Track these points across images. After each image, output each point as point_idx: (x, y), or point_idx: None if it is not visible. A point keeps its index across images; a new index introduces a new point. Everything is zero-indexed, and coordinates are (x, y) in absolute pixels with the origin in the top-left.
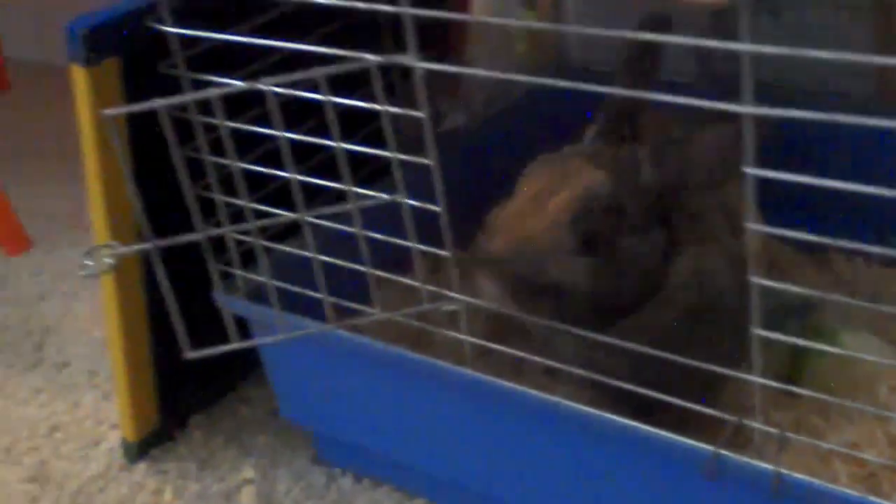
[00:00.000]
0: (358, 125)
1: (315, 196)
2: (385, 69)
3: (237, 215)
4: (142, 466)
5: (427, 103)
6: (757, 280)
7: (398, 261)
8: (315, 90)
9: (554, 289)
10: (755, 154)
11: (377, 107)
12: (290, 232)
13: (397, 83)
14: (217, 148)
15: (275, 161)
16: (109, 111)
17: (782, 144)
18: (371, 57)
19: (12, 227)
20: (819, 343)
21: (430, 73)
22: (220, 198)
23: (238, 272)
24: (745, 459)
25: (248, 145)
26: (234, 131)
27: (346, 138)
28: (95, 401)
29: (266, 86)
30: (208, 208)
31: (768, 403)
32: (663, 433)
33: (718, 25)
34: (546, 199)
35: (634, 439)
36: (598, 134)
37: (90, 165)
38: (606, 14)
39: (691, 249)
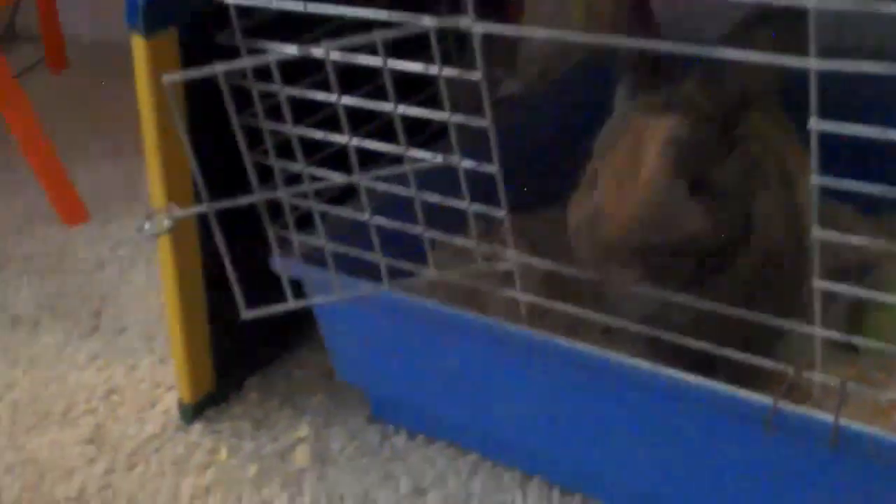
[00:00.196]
0: (411, 92)
1: (369, 161)
2: (441, 39)
3: (292, 180)
4: (197, 427)
5: (483, 68)
6: (818, 232)
7: (454, 224)
8: (370, 56)
9: (689, 245)
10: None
11: (434, 70)
12: (345, 196)
13: (453, 52)
14: (272, 114)
15: (328, 126)
16: (169, 76)
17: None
18: (428, 19)
19: (70, 199)
20: (877, 304)
21: (487, 42)
22: (277, 163)
23: (294, 235)
24: (804, 411)
25: (303, 111)
26: (290, 98)
27: (402, 102)
28: (152, 365)
29: (324, 50)
30: (263, 175)
31: (827, 360)
32: (721, 386)
33: None
34: (630, 167)
35: (692, 394)
36: (632, 90)
37: (148, 133)
38: None
39: (757, 193)
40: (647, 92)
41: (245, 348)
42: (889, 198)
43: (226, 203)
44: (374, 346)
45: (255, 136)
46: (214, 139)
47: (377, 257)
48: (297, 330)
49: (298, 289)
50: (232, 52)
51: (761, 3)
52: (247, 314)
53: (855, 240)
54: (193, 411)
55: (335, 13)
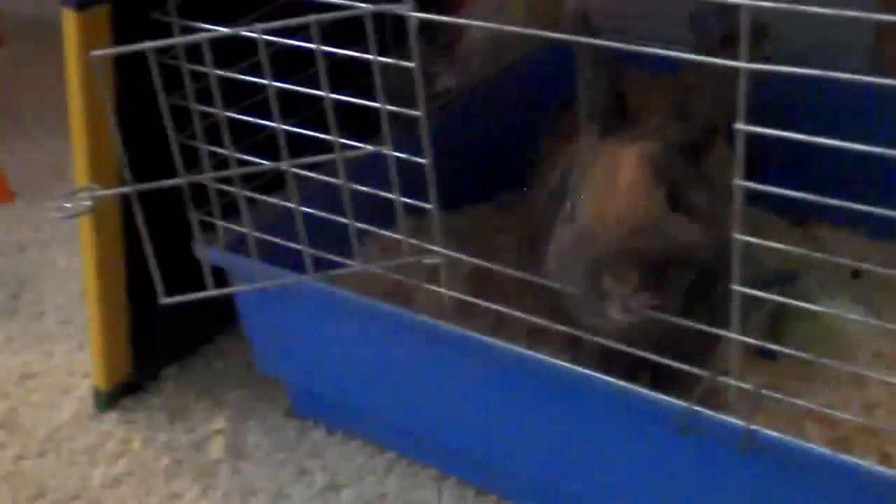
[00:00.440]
0: (350, 80)
1: (306, 149)
2: (380, 30)
3: (223, 165)
4: (112, 416)
5: (419, 56)
6: (739, 237)
7: (387, 217)
8: (309, 42)
9: (686, 257)
10: (747, 112)
11: (368, 56)
12: (281, 186)
13: (391, 43)
14: (206, 97)
15: (266, 113)
16: (98, 52)
17: (776, 112)
18: (364, 5)
19: None
20: (799, 312)
21: (427, 35)
22: (203, 146)
23: (219, 222)
24: (717, 415)
25: (238, 95)
26: (224, 81)
27: (338, 92)
28: (69, 351)
29: (256, 32)
30: (194, 158)
31: (746, 367)
32: (638, 388)
33: None
34: (609, 187)
35: (610, 395)
36: (601, 136)
37: (75, 109)
38: None
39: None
40: (615, 133)
41: (165, 337)
42: (819, 209)
43: (149, 185)
44: (294, 338)
45: (187, 118)
46: (146, 119)
47: (302, 246)
48: (220, 320)
49: (222, 277)
50: (168, 31)
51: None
52: (165, 300)
53: (774, 245)
54: (108, 399)
55: None
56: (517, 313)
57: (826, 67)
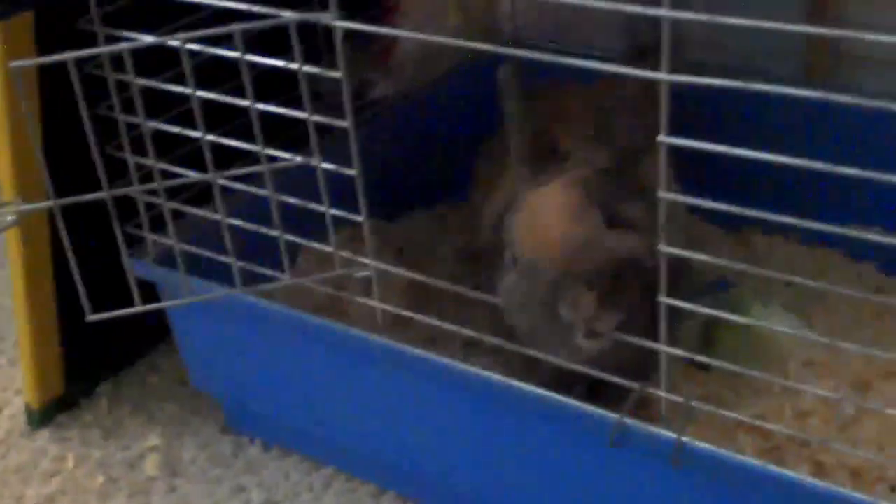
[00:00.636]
0: (283, 90)
1: (242, 161)
2: (311, 35)
3: (151, 177)
4: (44, 433)
5: (346, 65)
6: (665, 249)
7: (322, 229)
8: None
9: (632, 268)
10: (671, 123)
11: (293, 66)
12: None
13: (323, 52)
14: (133, 107)
15: (193, 123)
16: (17, 63)
17: (707, 121)
18: (289, 14)
19: None
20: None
21: (360, 42)
22: (129, 157)
23: (146, 234)
24: (648, 427)
25: (169, 106)
26: (153, 92)
27: (269, 102)
28: (0, 367)
29: (178, 41)
30: (124, 169)
31: (680, 377)
32: (570, 401)
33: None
34: (544, 220)
35: (542, 407)
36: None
37: None
38: None
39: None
40: (544, 172)
41: (98, 352)
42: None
43: (70, 200)
44: (227, 353)
45: (115, 129)
46: (75, 131)
47: (230, 260)
48: (154, 333)
49: (154, 292)
50: (95, 40)
51: (617, 7)
52: (92, 317)
53: (699, 257)
54: (41, 416)
55: (196, 3)
56: (450, 326)
57: (757, 76)
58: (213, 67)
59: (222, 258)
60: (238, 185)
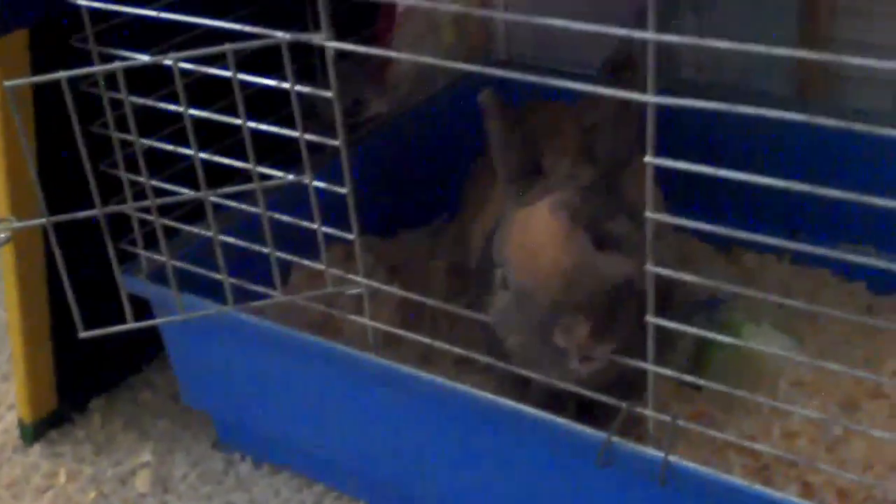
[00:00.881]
0: (276, 108)
1: (236, 178)
2: (306, 55)
3: (145, 194)
4: (37, 448)
5: (338, 84)
6: (652, 268)
7: (314, 247)
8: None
9: (627, 292)
10: (656, 143)
11: (285, 85)
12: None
13: (318, 70)
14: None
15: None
16: (11, 83)
17: (696, 139)
18: (281, 34)
19: None
20: (722, 335)
21: (355, 59)
22: (123, 174)
23: (140, 251)
24: (636, 446)
25: (163, 123)
26: (147, 110)
27: (262, 119)
28: None
29: (172, 60)
30: (117, 186)
31: (671, 396)
32: (559, 420)
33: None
34: (532, 244)
35: (532, 426)
36: (518, 195)
37: None
38: (532, 6)
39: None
40: (530, 191)
41: (90, 367)
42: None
43: (65, 217)
44: (219, 369)
45: (108, 146)
46: (70, 147)
47: (223, 277)
48: (147, 349)
49: (147, 308)
50: (89, 57)
51: (604, 31)
52: (84, 334)
53: (690, 278)
54: (34, 432)
55: (189, 22)
56: (442, 345)
57: (748, 94)
58: (207, 85)
59: (215, 275)
60: (231, 203)
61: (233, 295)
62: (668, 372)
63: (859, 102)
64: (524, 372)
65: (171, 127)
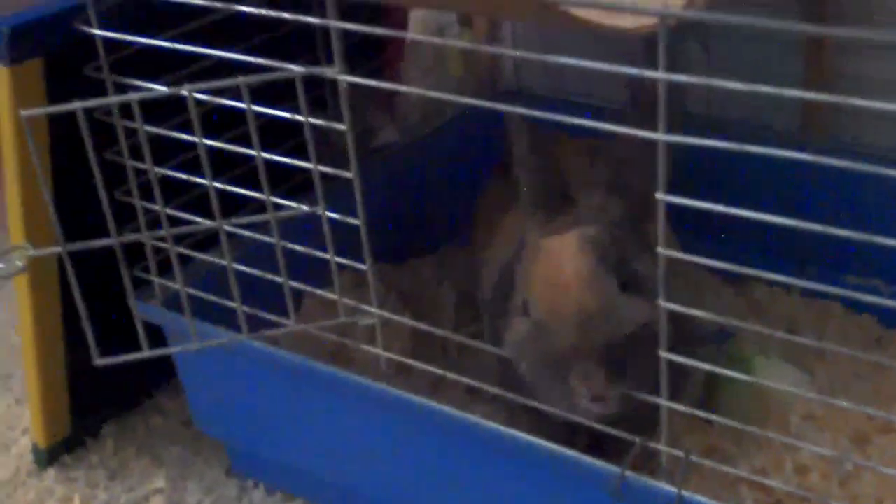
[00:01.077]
0: (290, 137)
1: (250, 206)
2: (318, 84)
3: (159, 222)
4: (51, 473)
5: (351, 116)
6: (665, 304)
7: (327, 275)
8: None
9: (647, 335)
10: (669, 180)
11: (299, 117)
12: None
13: (329, 98)
14: (141, 154)
15: (201, 170)
16: (28, 112)
17: (707, 175)
18: (295, 67)
19: None
20: (733, 370)
21: (365, 90)
22: (138, 203)
23: (154, 279)
24: (649, 481)
25: (175, 152)
26: (160, 138)
27: (274, 151)
28: (8, 406)
29: (187, 91)
30: (132, 214)
31: (683, 429)
32: (572, 453)
33: (650, 53)
34: (557, 278)
35: (544, 459)
36: (544, 222)
37: (10, 166)
38: (541, 39)
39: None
40: (556, 218)
41: (104, 392)
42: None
43: (80, 245)
44: (232, 397)
45: (123, 174)
46: (85, 175)
47: (236, 305)
48: (160, 374)
49: (160, 335)
50: (103, 86)
51: (616, 70)
52: (99, 361)
53: (701, 314)
54: (48, 456)
55: (204, 54)
56: (452, 375)
57: (756, 130)
58: (221, 114)
59: (228, 302)
60: (244, 232)
61: (246, 323)
62: (681, 408)
63: (866, 136)
64: (536, 405)
65: (182, 155)
